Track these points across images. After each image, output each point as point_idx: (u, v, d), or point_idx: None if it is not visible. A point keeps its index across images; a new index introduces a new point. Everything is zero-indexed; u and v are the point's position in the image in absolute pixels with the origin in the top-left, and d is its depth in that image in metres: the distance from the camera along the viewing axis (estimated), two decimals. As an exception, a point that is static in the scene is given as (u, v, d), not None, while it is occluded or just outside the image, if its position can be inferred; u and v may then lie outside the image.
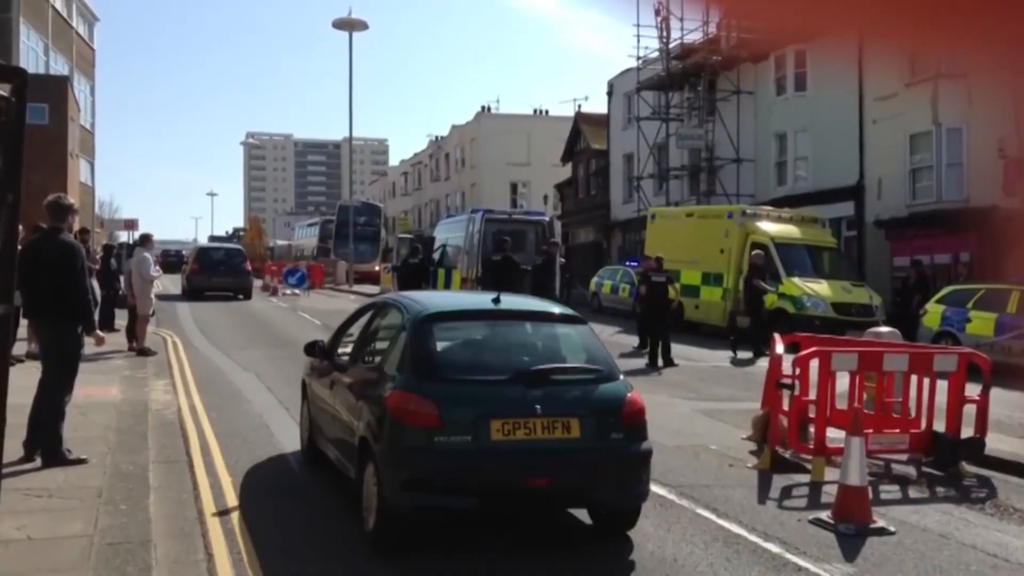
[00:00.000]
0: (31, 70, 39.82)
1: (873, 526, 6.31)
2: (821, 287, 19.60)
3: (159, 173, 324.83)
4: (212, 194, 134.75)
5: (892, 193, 24.55)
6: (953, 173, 22.75)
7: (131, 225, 48.69)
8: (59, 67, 44.04)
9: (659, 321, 16.02)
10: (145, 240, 16.48)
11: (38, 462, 7.17)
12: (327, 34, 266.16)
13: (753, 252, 18.96)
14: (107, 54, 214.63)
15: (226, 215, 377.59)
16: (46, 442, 7.20)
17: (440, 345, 6.30)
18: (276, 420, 9.95)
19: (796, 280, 19.72)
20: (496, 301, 6.54)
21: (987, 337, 15.32)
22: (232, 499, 6.72)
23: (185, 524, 6.02)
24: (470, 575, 5.39)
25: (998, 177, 20.82)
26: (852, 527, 6.25)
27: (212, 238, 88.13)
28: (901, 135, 24.20)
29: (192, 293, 30.85)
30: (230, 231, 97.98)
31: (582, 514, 6.32)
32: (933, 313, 17.05)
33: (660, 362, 15.50)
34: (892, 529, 6.34)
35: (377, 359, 6.82)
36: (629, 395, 6.06)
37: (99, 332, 8.11)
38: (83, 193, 46.37)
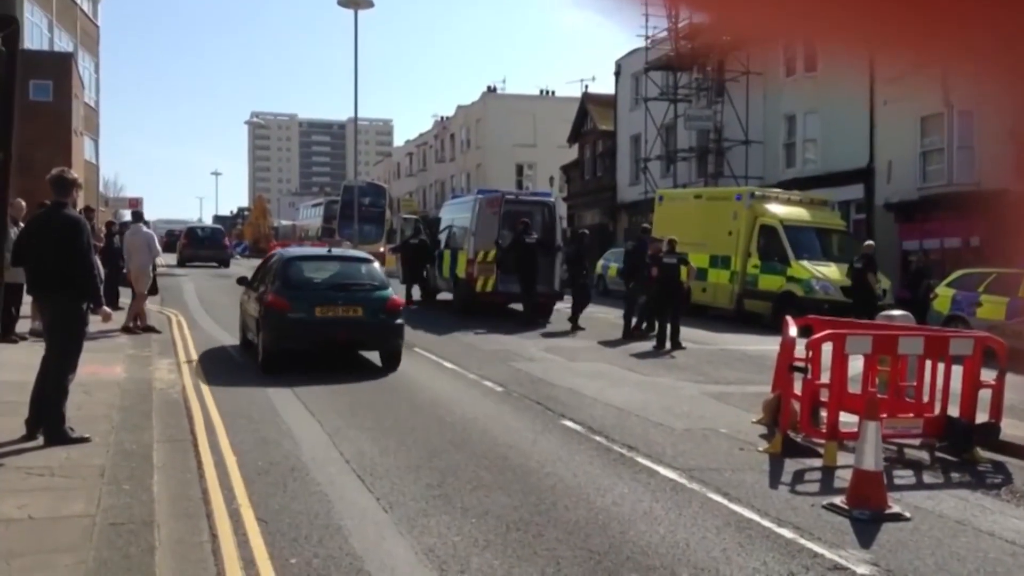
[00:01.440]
0: (35, 47, 39.71)
1: (888, 512, 6.20)
2: (830, 270, 19.43)
3: (164, 152, 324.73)
4: (216, 173, 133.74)
5: (902, 176, 24.33)
6: (964, 156, 22.53)
7: (135, 203, 48.52)
8: (63, 44, 43.80)
9: (669, 303, 15.87)
10: (139, 217, 16.25)
11: (40, 440, 7.08)
12: (332, 13, 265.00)
13: (865, 243, 18.88)
14: (112, 31, 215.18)
15: (231, 195, 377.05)
16: (48, 420, 7.10)
17: (293, 272, 12.55)
18: (281, 400, 9.85)
19: (805, 263, 19.55)
20: (329, 251, 14.24)
21: (998, 321, 15.17)
22: (237, 478, 6.62)
23: (189, 504, 5.93)
24: (485, 544, 5.29)
25: (1010, 161, 20.58)
26: (867, 512, 6.13)
27: (216, 218, 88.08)
28: (912, 117, 23.96)
29: (182, 262, 40.12)
30: (234, 211, 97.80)
31: (600, 501, 6.21)
32: (943, 297, 16.90)
33: (668, 344, 15.37)
34: (908, 515, 6.22)
35: (266, 282, 12.59)
36: (392, 297, 12.38)
37: (106, 308, 8.00)
38: (87, 171, 46.22)
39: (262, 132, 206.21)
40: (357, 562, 5.07)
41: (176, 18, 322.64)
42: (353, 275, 12.81)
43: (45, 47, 41.20)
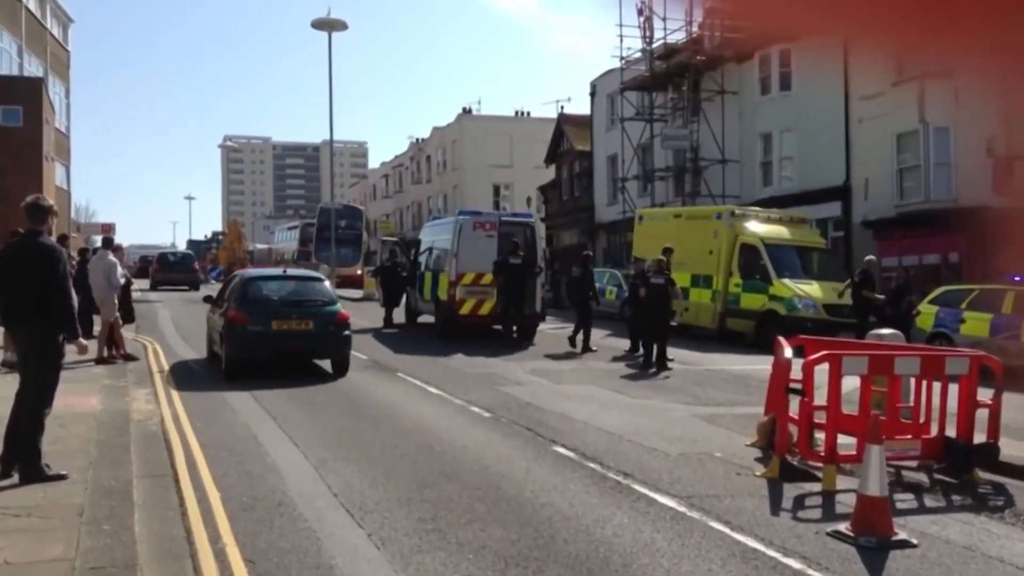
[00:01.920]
0: (4, 72, 39.26)
1: (895, 539, 6.04)
2: (812, 288, 19.42)
3: (136, 177, 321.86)
4: (190, 198, 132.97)
5: (879, 193, 24.45)
6: (941, 173, 22.67)
7: (108, 229, 47.88)
8: (33, 69, 43.32)
9: (656, 324, 15.77)
10: (109, 244, 15.73)
11: (15, 478, 6.79)
12: (306, 35, 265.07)
13: (866, 258, 19.02)
14: (82, 56, 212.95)
15: (205, 219, 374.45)
16: (24, 457, 6.82)
17: (252, 290, 14.10)
18: (263, 430, 9.59)
19: (787, 281, 19.53)
20: (284, 272, 16.21)
21: (982, 338, 15.17)
22: (221, 515, 6.36)
23: (172, 544, 5.67)
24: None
25: (987, 176, 20.73)
26: (873, 540, 5.98)
27: (190, 243, 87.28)
28: (888, 134, 24.12)
29: (155, 286, 41.73)
30: (208, 235, 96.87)
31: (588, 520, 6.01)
32: (927, 314, 16.90)
33: (654, 367, 15.24)
34: (915, 542, 6.08)
35: (229, 299, 14.05)
36: (340, 311, 14.02)
37: (82, 340, 7.73)
38: (59, 197, 45.62)
39: (235, 156, 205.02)
40: (352, 604, 4.84)
41: (147, 42, 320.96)
42: (305, 292, 14.51)
43: (15, 72, 40.71)
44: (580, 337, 17.90)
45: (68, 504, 6.24)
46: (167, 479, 7.37)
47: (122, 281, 14.61)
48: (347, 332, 13.96)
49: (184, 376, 13.74)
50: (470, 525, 6.28)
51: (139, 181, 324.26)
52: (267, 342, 13.35)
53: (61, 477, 6.85)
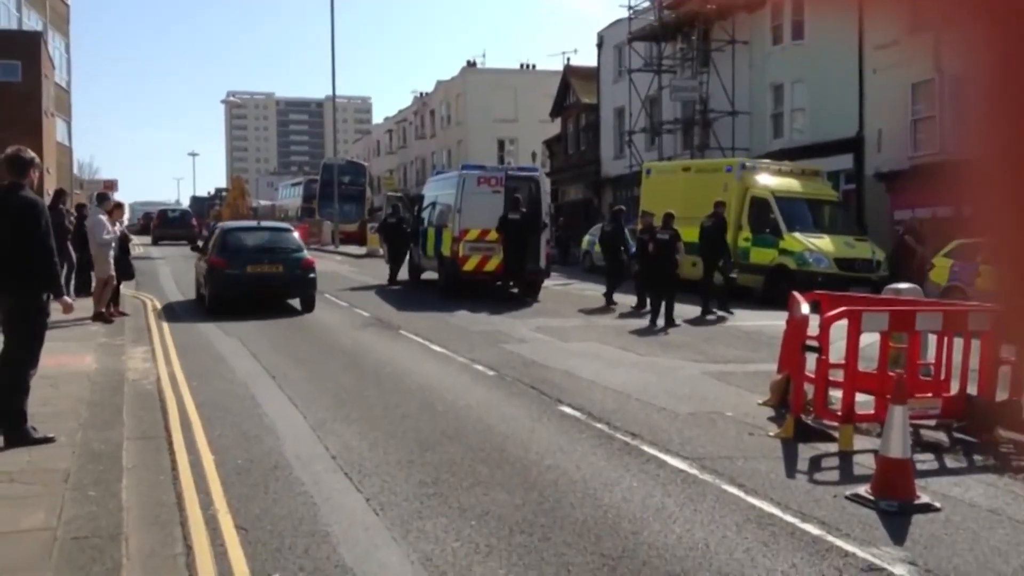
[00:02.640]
0: (3, 26, 38.64)
1: (917, 502, 5.77)
2: (824, 242, 19.04)
3: (140, 134, 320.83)
4: (194, 154, 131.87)
5: (893, 145, 23.93)
6: (957, 124, 22.11)
7: (110, 186, 47.68)
8: (32, 23, 42.66)
9: (662, 280, 15.45)
10: (101, 200, 15.27)
11: (0, 442, 6.54)
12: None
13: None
14: (82, 10, 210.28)
15: (209, 175, 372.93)
16: (9, 420, 6.56)
17: (230, 239, 16.44)
18: (262, 389, 9.34)
19: (798, 235, 19.14)
20: (258, 224, 20.86)
21: (998, 292, 14.81)
22: (215, 480, 6.11)
23: (162, 511, 5.42)
24: (488, 550, 4.83)
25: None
26: (895, 504, 5.70)
27: (194, 199, 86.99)
28: (902, 85, 23.52)
29: (156, 241, 45.02)
30: (212, 191, 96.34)
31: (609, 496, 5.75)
32: (940, 267, 16.55)
33: (662, 322, 14.94)
34: (938, 505, 5.80)
35: (211, 247, 16.40)
36: (306, 257, 16.24)
37: (67, 298, 7.44)
38: (60, 153, 45.23)
39: (239, 111, 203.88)
40: (347, 575, 4.59)
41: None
42: (277, 241, 16.92)
43: (13, 26, 40.09)
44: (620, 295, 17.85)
45: (54, 469, 5.99)
46: (160, 441, 7.12)
47: (107, 238, 14.13)
48: (312, 275, 16.17)
49: (193, 351, 13.48)
50: (473, 489, 6.03)
51: (142, 138, 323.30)
52: (243, 283, 15.69)
53: (48, 440, 6.60)
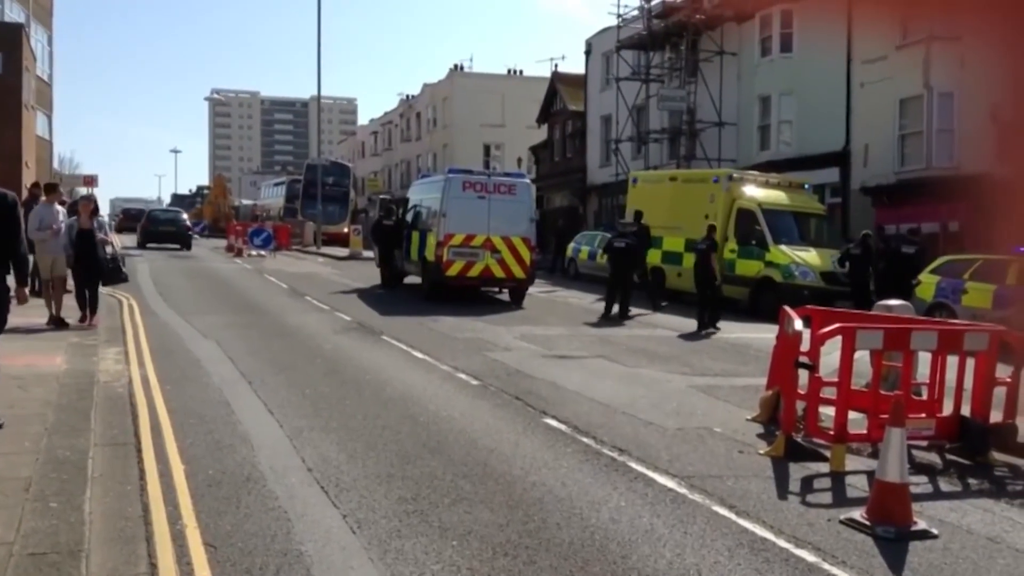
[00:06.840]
0: (-18, 16, 38.04)
1: (914, 528, 5.58)
2: (810, 255, 18.95)
3: (121, 129, 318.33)
4: (176, 151, 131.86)
5: (879, 159, 23.91)
6: (944, 139, 22.14)
7: (91, 181, 46.79)
8: (15, 15, 42.10)
9: (619, 282, 16.82)
10: (48, 191, 13.91)
11: (-41, 447, 6.24)
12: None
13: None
14: (66, 3, 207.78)
15: (191, 173, 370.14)
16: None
17: (151, 216, 42.32)
18: (238, 396, 9.04)
19: (784, 248, 19.03)
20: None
21: (984, 309, 14.74)
22: (184, 492, 5.83)
23: (127, 525, 5.14)
24: (469, 574, 4.59)
25: (991, 144, 20.18)
26: (892, 530, 5.51)
27: (175, 197, 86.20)
28: (890, 99, 23.52)
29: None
30: (194, 189, 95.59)
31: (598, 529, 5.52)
32: (927, 284, 16.45)
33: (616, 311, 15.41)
34: (935, 532, 5.62)
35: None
36: (186, 222, 40.86)
37: (24, 289, 7.23)
38: (40, 147, 44.62)
39: (223, 109, 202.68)
40: (321, 599, 4.34)
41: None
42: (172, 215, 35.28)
43: (-6, 17, 39.55)
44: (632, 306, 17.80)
45: (14, 478, 5.70)
46: (129, 448, 6.82)
47: (40, 235, 12.81)
48: (190, 232, 32.59)
49: (167, 354, 13.15)
50: (455, 506, 5.79)
51: (124, 133, 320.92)
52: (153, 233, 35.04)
53: None
